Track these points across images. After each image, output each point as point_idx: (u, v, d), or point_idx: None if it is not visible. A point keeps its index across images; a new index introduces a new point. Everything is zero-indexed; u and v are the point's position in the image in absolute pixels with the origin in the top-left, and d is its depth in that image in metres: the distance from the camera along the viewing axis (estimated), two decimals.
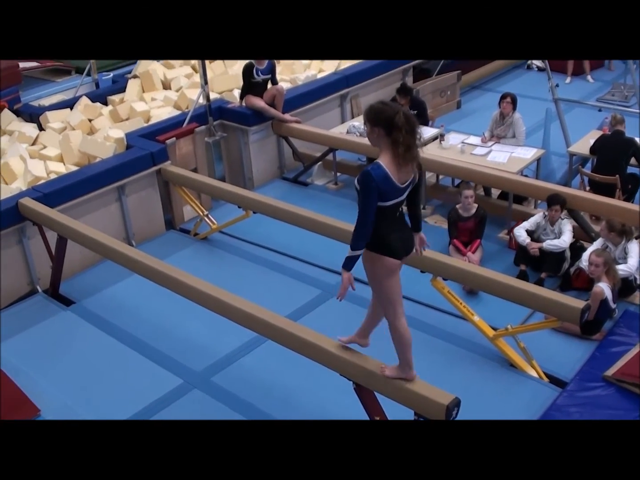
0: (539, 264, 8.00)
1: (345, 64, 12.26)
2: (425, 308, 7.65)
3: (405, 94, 10.47)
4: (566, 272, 7.90)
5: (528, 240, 8.00)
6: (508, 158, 9.10)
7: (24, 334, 7.79)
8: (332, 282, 8.16)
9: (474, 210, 8.32)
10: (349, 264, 4.87)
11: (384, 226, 4.80)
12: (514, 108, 9.61)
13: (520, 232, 8.05)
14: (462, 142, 9.59)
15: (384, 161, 4.67)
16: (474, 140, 9.69)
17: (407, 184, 4.77)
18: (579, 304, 6.07)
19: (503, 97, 9.65)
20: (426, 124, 10.50)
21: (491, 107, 10.28)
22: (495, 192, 9.52)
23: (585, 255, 7.51)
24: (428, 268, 6.83)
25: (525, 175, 9.18)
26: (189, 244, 9.32)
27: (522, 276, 7.79)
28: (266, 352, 7.03)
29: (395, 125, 4.59)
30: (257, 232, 9.19)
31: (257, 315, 6.12)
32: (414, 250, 5.18)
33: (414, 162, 4.74)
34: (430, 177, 9.78)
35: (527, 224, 8.14)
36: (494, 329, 6.81)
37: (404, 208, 4.99)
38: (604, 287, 6.98)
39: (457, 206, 8.41)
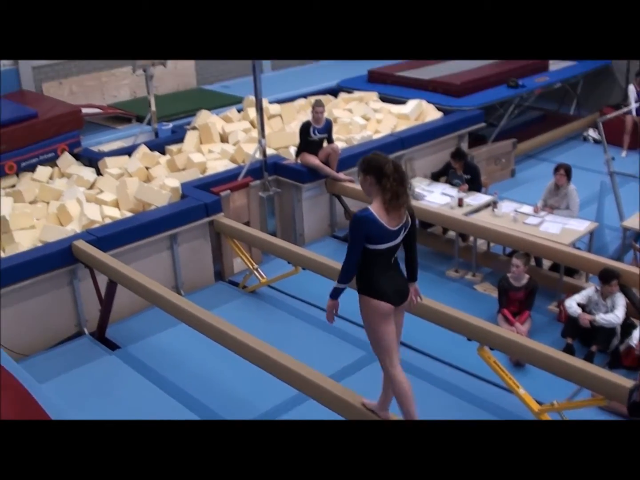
0: (587, 338, 7.89)
1: (402, 126, 12.35)
2: (469, 377, 7.57)
3: (459, 159, 10.53)
4: (615, 349, 7.77)
5: (579, 311, 7.90)
6: (561, 229, 9.04)
7: (68, 374, 7.86)
8: None
9: (525, 281, 8.25)
10: (334, 294, 5.30)
11: (377, 270, 5.13)
12: (569, 179, 9.58)
13: (571, 304, 7.96)
14: (515, 211, 9.56)
15: (374, 207, 5.03)
16: (527, 209, 9.65)
17: (398, 227, 5.07)
18: (627, 383, 5.96)
19: (557, 168, 9.63)
20: (479, 190, 10.50)
21: (546, 176, 10.25)
22: (546, 264, 9.45)
23: (636, 334, 7.39)
24: (475, 336, 6.76)
25: (578, 248, 9.10)
26: (237, 296, 9.36)
27: (569, 350, 7.67)
28: (307, 411, 6.97)
29: (385, 173, 4.96)
30: (305, 289, 9.20)
31: (301, 372, 6.13)
32: (409, 301, 5.46)
33: (403, 208, 5.06)
34: (481, 244, 9.75)
35: (579, 297, 8.04)
36: (540, 403, 6.69)
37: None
38: None
39: (508, 275, 8.34)
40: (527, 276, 8.27)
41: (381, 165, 4.99)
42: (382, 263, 5.14)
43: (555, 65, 14.99)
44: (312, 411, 6.62)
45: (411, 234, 5.26)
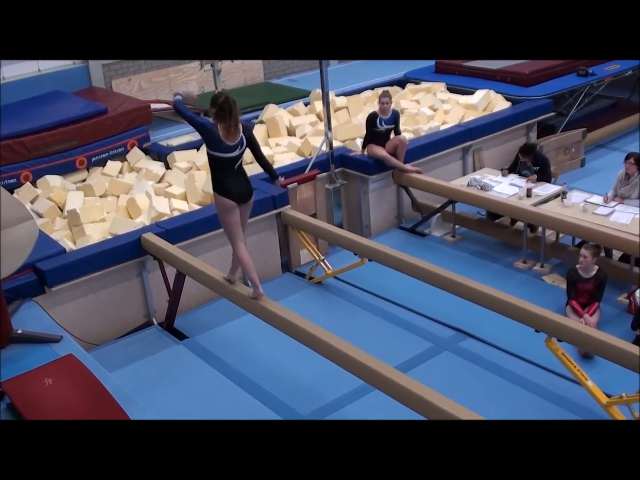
0: None
1: (470, 116, 12.25)
2: (537, 369, 7.48)
3: (528, 154, 10.40)
4: None
5: None
6: (631, 219, 8.87)
7: (137, 364, 8.00)
8: (444, 336, 8.11)
9: (594, 272, 8.12)
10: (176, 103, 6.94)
11: (223, 174, 6.80)
12: (639, 168, 9.39)
13: None
14: (585, 201, 9.40)
15: (218, 126, 6.66)
16: (597, 199, 9.48)
17: (235, 144, 6.69)
18: None
19: (628, 156, 9.46)
20: (549, 181, 10.36)
21: (616, 166, 10.06)
22: (616, 254, 9.28)
23: None
24: (543, 328, 6.69)
25: None
26: (304, 287, 9.40)
27: (639, 342, 7.52)
28: (373, 402, 6.98)
29: (220, 106, 6.55)
30: (371, 280, 9.20)
31: (367, 363, 6.13)
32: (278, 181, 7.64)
33: (236, 131, 6.68)
34: (550, 234, 9.62)
35: None
36: (608, 395, 6.58)
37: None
38: None
39: (577, 266, 8.21)
40: (596, 267, 8.13)
41: (216, 99, 6.60)
42: (225, 169, 6.76)
43: None
44: (378, 402, 6.64)
45: (253, 148, 7.07)
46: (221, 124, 6.62)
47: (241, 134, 6.75)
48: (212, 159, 6.79)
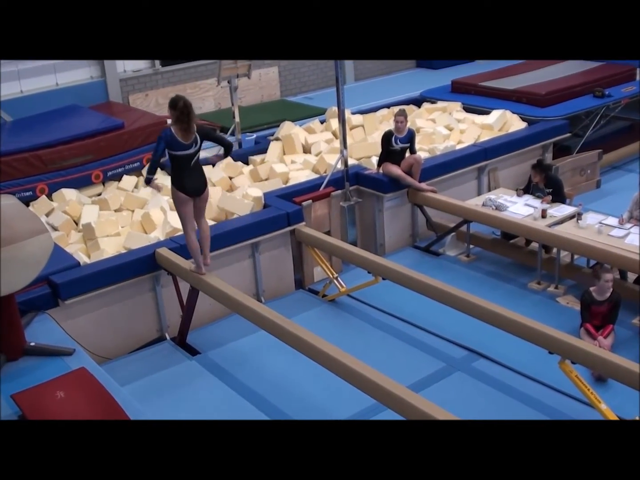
0: None
1: (485, 136, 12.24)
2: (550, 391, 7.44)
3: (541, 171, 10.37)
4: None
5: None
6: None
7: (149, 378, 8.01)
8: (457, 356, 8.07)
9: (608, 294, 8.08)
10: (146, 180, 7.64)
11: (180, 170, 7.51)
12: None
13: None
14: (600, 223, 9.36)
15: (173, 128, 7.38)
16: (612, 221, 9.44)
17: (190, 142, 7.41)
18: None
19: None
20: (563, 202, 10.32)
21: (632, 188, 10.02)
22: (631, 277, 9.23)
23: None
24: (557, 349, 6.65)
25: None
26: (317, 304, 9.39)
27: None
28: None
29: (178, 108, 7.26)
30: (384, 299, 9.19)
31: (379, 382, 6.11)
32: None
33: (191, 132, 7.38)
34: (564, 256, 9.58)
35: None
36: (622, 419, 6.54)
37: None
38: None
39: (592, 289, 8.16)
40: (610, 289, 8.09)
41: (176, 103, 7.27)
42: (182, 165, 7.46)
43: None
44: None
45: (210, 138, 7.89)
46: (179, 125, 7.33)
47: (195, 133, 7.44)
48: (172, 158, 7.50)
